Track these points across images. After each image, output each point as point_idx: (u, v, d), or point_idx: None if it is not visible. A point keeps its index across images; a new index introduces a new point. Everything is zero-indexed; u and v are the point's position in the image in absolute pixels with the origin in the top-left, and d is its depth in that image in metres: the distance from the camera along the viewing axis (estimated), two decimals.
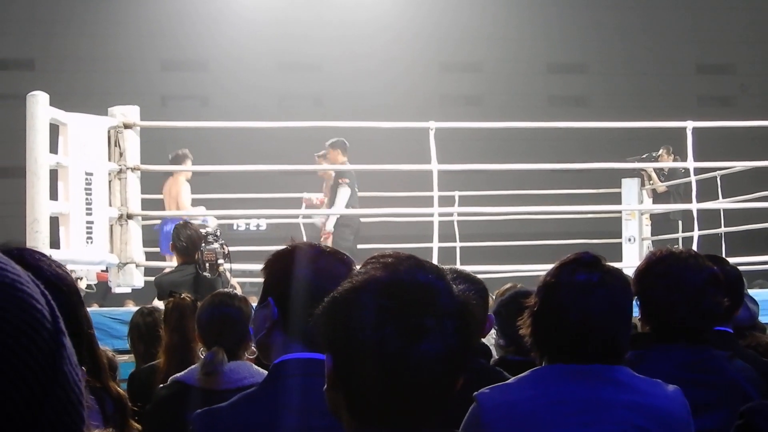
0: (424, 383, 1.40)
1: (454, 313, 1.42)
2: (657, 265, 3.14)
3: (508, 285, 4.53)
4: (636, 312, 2.95)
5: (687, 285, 3.06)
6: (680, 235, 12.25)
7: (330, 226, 11.40)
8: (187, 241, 7.55)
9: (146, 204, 9.63)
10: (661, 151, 13.42)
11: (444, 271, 1.49)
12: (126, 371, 5.83)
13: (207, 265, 7.34)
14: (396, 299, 1.41)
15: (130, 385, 4.87)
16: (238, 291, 7.51)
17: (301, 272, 2.18)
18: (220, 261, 7.41)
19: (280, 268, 2.25)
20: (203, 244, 7.43)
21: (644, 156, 13.16)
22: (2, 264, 0.80)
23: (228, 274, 7.78)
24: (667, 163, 13.01)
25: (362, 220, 11.92)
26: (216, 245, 7.46)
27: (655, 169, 13.21)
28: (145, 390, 4.43)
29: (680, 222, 12.61)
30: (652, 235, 12.99)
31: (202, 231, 7.63)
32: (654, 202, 13.01)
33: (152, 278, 9.36)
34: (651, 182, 13.23)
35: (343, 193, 11.43)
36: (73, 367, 0.82)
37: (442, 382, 1.41)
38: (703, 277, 3.09)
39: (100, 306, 10.48)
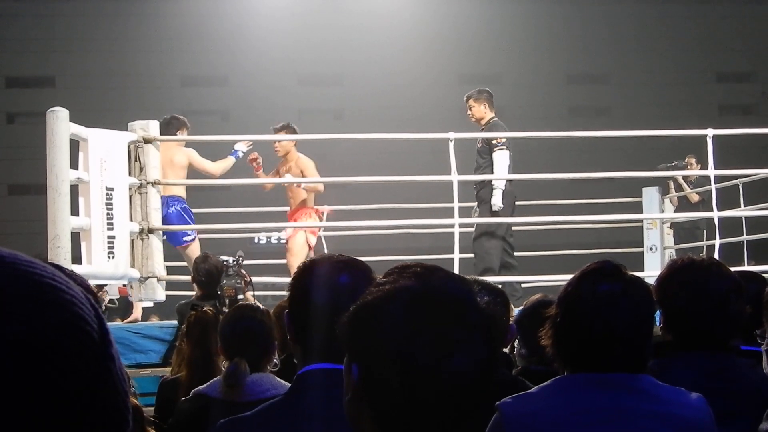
0: (452, 396, 1.38)
1: (483, 325, 1.41)
2: (679, 273, 3.12)
3: (537, 295, 4.49)
4: (657, 320, 2.94)
5: (710, 293, 3.04)
6: (704, 243, 12.20)
7: (498, 201, 9.54)
8: (206, 276, 7.52)
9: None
10: (688, 160, 13.37)
11: (471, 282, 1.48)
12: (147, 385, 5.83)
13: (227, 300, 7.33)
14: (428, 310, 1.40)
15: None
16: None
17: (319, 288, 2.19)
18: (240, 297, 7.38)
19: (299, 284, 2.26)
20: (224, 279, 7.41)
21: (674, 164, 13.11)
22: (49, 272, 0.83)
23: (253, 301, 7.79)
24: (692, 172, 12.97)
25: (381, 232, 11.80)
26: (235, 279, 7.43)
27: (683, 178, 13.17)
28: (168, 403, 4.44)
29: (705, 231, 12.56)
30: (677, 243, 12.94)
31: (223, 261, 7.57)
32: (686, 211, 12.95)
33: (174, 292, 9.40)
34: (681, 191, 13.20)
35: (502, 159, 9.65)
36: (120, 370, 0.85)
37: (470, 395, 1.40)
38: (726, 285, 3.08)
39: (123, 320, 10.51)
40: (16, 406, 0.76)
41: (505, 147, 9.65)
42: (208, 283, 7.48)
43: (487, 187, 9.83)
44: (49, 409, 0.77)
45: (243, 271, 7.58)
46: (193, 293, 7.81)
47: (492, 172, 9.69)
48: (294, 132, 10.01)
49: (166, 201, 9.42)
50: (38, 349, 0.78)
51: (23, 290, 0.80)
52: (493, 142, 9.69)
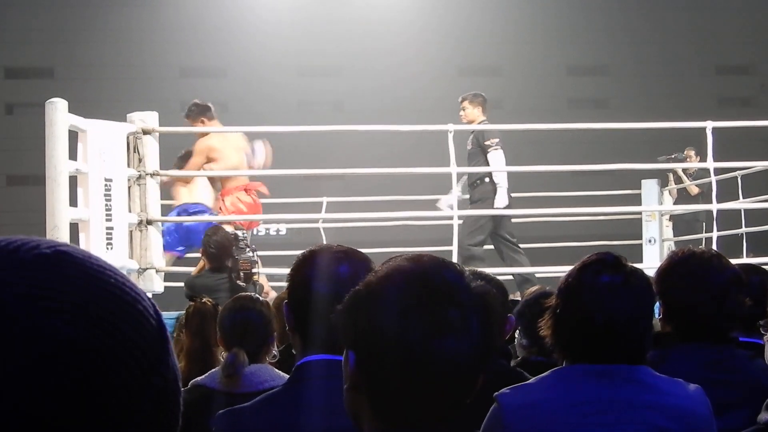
0: (447, 380, 1.38)
1: (477, 309, 1.41)
2: (679, 265, 3.12)
3: (536, 287, 4.51)
4: (657, 312, 2.94)
5: (710, 285, 3.04)
6: (703, 235, 12.19)
7: (502, 201, 9.70)
8: (216, 248, 7.53)
9: (165, 209, 9.62)
10: (687, 152, 13.36)
11: (463, 268, 1.48)
12: None
13: (242, 274, 7.33)
14: (421, 293, 1.40)
15: None
16: (272, 296, 7.51)
17: (319, 278, 2.19)
18: (255, 270, 7.40)
19: (299, 274, 2.25)
20: (236, 252, 7.42)
21: (673, 156, 13.10)
22: (120, 280, 0.82)
23: (264, 279, 7.78)
24: (691, 164, 12.97)
25: (380, 224, 11.79)
26: (249, 253, 7.45)
27: (683, 170, 13.16)
28: None
29: (704, 223, 12.56)
30: (676, 235, 12.94)
31: (232, 235, 7.61)
32: (685, 204, 12.95)
33: (173, 284, 9.38)
34: (680, 183, 13.19)
35: (499, 159, 9.78)
36: (173, 392, 0.84)
37: (465, 379, 1.40)
38: (726, 277, 3.08)
39: None
40: (30, 402, 0.75)
41: (498, 147, 9.76)
42: (218, 254, 7.49)
43: (480, 186, 9.87)
44: (61, 412, 0.76)
45: (254, 246, 7.62)
46: None
47: (484, 175, 9.81)
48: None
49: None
50: (76, 352, 0.76)
51: (80, 292, 0.77)
52: (486, 143, 9.78)
